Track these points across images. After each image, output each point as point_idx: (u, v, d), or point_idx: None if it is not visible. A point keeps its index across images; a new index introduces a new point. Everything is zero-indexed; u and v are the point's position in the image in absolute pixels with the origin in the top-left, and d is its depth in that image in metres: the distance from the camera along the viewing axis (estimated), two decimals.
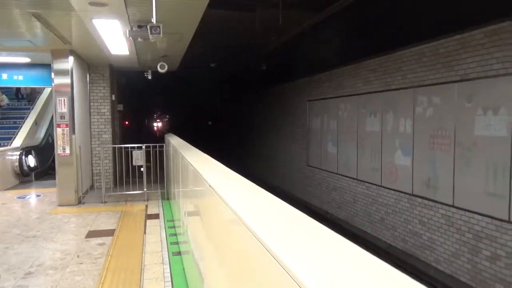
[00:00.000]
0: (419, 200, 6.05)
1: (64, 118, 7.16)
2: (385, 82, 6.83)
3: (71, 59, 7.21)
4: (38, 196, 8.26)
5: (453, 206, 5.38)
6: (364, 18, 7.16)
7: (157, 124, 54.49)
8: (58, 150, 7.24)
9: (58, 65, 7.15)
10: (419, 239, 6.06)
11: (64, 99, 7.14)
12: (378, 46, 6.94)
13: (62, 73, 7.16)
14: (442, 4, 5.50)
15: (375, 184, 7.23)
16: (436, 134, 5.67)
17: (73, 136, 7.29)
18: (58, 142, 7.21)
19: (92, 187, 8.92)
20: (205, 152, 4.10)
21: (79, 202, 7.45)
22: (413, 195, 6.20)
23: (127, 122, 14.57)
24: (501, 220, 4.63)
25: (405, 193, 6.39)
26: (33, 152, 10.51)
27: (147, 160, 8.16)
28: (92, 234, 5.51)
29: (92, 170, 9.02)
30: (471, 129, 5.04)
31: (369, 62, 7.30)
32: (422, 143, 5.96)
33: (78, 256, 4.63)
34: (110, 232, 5.60)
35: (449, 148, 5.44)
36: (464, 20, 5.10)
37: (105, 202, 7.56)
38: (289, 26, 7.31)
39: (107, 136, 9.12)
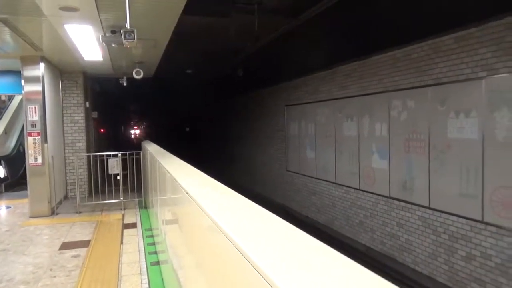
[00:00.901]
0: (396, 202, 6.14)
1: (35, 127, 6.94)
2: (361, 86, 6.94)
3: (42, 65, 7.00)
4: (8, 208, 7.94)
5: (429, 207, 5.49)
6: (340, 24, 7.27)
7: (135, 131, 53.27)
8: (30, 160, 7.00)
9: (28, 72, 6.94)
10: (397, 241, 6.15)
11: (35, 107, 6.92)
12: (354, 52, 7.05)
13: (32, 80, 6.95)
14: (414, 9, 5.64)
15: (353, 188, 7.31)
16: (411, 137, 5.78)
17: (45, 145, 7.07)
18: (29, 151, 6.97)
19: (66, 197, 8.66)
20: (183, 159, 4.04)
21: (53, 213, 7.21)
22: (390, 197, 6.29)
23: (102, 130, 14.27)
24: (475, 221, 4.75)
25: (382, 196, 6.48)
26: (2, 162, 10.11)
27: (124, 168, 7.99)
28: (66, 246, 5.33)
29: (66, 180, 8.76)
30: (445, 132, 5.17)
31: (345, 67, 7.40)
32: (398, 146, 6.06)
33: (51, 269, 4.45)
34: (85, 243, 5.43)
35: (424, 150, 5.55)
36: (435, 25, 5.24)
37: (80, 212, 7.35)
38: (265, 32, 7.34)
39: (81, 144, 8.88)
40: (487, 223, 4.60)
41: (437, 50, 5.26)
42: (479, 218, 4.69)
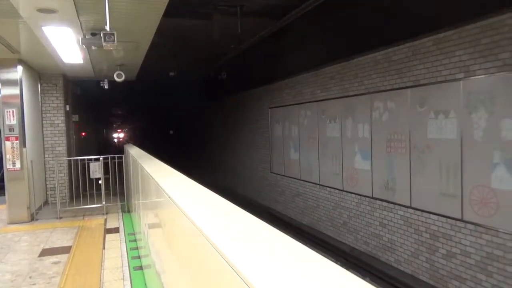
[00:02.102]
0: (379, 202, 6.22)
1: (13, 131, 6.77)
2: (344, 88, 7.02)
3: (19, 68, 6.85)
4: None
5: (410, 207, 5.58)
6: (322, 27, 7.34)
7: (118, 135, 52.22)
8: (8, 165, 6.82)
9: (6, 75, 6.78)
10: (380, 240, 6.22)
11: (12, 111, 6.76)
12: (336, 54, 7.12)
13: (10, 83, 6.79)
14: (394, 12, 5.74)
15: (337, 189, 7.37)
16: (393, 138, 5.87)
17: (24, 149, 6.91)
18: (7, 156, 6.80)
19: (46, 202, 8.47)
20: (168, 163, 4.00)
21: (32, 218, 7.04)
22: (373, 198, 6.37)
23: (84, 133, 14.03)
24: (455, 219, 4.85)
25: (365, 196, 6.56)
26: None
27: (106, 172, 7.87)
28: (46, 252, 5.21)
29: (46, 185, 8.57)
30: (425, 132, 5.26)
31: (328, 69, 7.47)
32: (380, 147, 6.15)
33: (30, 277, 4.35)
34: (66, 249, 5.32)
35: (405, 151, 5.64)
36: (414, 28, 5.34)
37: (61, 217, 7.20)
38: (248, 34, 7.36)
39: (62, 148, 8.71)
40: (466, 222, 4.70)
41: (416, 52, 5.36)
42: (459, 217, 4.80)
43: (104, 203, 7.49)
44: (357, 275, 0.83)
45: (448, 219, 4.95)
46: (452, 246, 4.90)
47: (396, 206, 5.85)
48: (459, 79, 4.72)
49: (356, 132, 6.72)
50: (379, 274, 5.95)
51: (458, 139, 4.76)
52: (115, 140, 46.73)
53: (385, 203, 6.09)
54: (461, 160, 4.74)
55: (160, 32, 5.62)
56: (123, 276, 4.33)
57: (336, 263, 0.92)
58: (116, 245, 5.47)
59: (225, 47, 8.51)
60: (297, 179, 8.90)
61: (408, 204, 5.61)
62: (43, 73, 8.50)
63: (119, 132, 53.62)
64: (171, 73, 12.74)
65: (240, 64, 10.71)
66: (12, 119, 6.77)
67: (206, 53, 10.09)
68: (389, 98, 5.89)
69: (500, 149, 4.27)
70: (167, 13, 4.68)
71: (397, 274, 5.78)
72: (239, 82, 12.17)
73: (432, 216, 5.21)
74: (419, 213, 5.43)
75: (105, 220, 7.03)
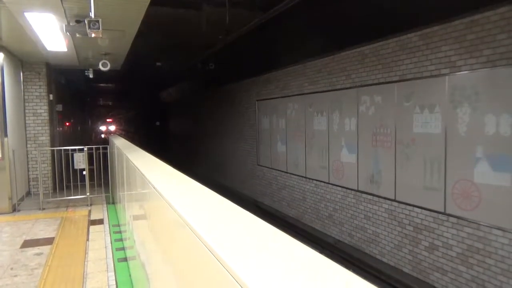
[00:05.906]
0: (364, 195, 6.29)
1: None
2: (331, 82, 7.03)
3: (0, 55, 6.66)
4: None
5: (395, 200, 5.65)
6: (310, 20, 7.32)
7: (108, 128, 49.91)
8: None
9: None
10: (365, 233, 6.30)
11: None
12: (324, 47, 7.12)
13: None
14: (381, 6, 5.75)
15: (323, 182, 7.42)
16: (379, 132, 5.92)
17: (5, 138, 6.74)
18: None
19: (28, 193, 8.32)
20: (154, 154, 3.96)
21: (14, 209, 6.90)
22: (358, 191, 6.43)
23: (68, 123, 13.80)
24: (438, 212, 4.94)
25: (351, 189, 6.62)
26: None
27: (91, 163, 7.76)
28: (28, 244, 5.12)
29: (28, 175, 8.41)
30: (410, 126, 5.32)
31: (316, 62, 7.47)
32: (366, 140, 6.20)
33: (11, 268, 4.27)
34: (48, 241, 5.24)
35: (390, 145, 5.70)
36: (401, 22, 5.36)
37: (44, 208, 7.08)
38: (236, 25, 7.28)
39: (45, 138, 8.54)
40: (449, 215, 4.79)
41: (403, 47, 5.40)
42: (442, 210, 4.88)
43: (88, 194, 7.39)
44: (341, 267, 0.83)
45: (431, 212, 5.04)
46: (435, 239, 5.00)
47: (381, 199, 5.92)
48: (445, 75, 4.77)
49: (342, 125, 6.76)
50: (363, 266, 6.04)
51: (443, 134, 4.82)
52: (103, 135, 42.02)
53: (370, 196, 6.16)
54: (445, 154, 4.81)
55: (147, 21, 5.52)
56: (107, 267, 4.29)
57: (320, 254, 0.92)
58: (100, 237, 5.41)
59: (213, 38, 8.41)
60: (283, 171, 8.92)
61: (393, 197, 5.68)
62: (26, 60, 8.29)
63: (108, 123, 50.38)
64: (158, 63, 12.58)
65: (228, 55, 10.62)
66: None
67: (194, 44, 9.97)
68: (376, 92, 5.93)
69: (483, 144, 4.35)
70: (155, 2, 4.60)
71: (381, 266, 5.87)
72: (227, 74, 12.10)
73: (415, 209, 5.29)
74: (403, 206, 5.51)
75: (89, 211, 6.94)
